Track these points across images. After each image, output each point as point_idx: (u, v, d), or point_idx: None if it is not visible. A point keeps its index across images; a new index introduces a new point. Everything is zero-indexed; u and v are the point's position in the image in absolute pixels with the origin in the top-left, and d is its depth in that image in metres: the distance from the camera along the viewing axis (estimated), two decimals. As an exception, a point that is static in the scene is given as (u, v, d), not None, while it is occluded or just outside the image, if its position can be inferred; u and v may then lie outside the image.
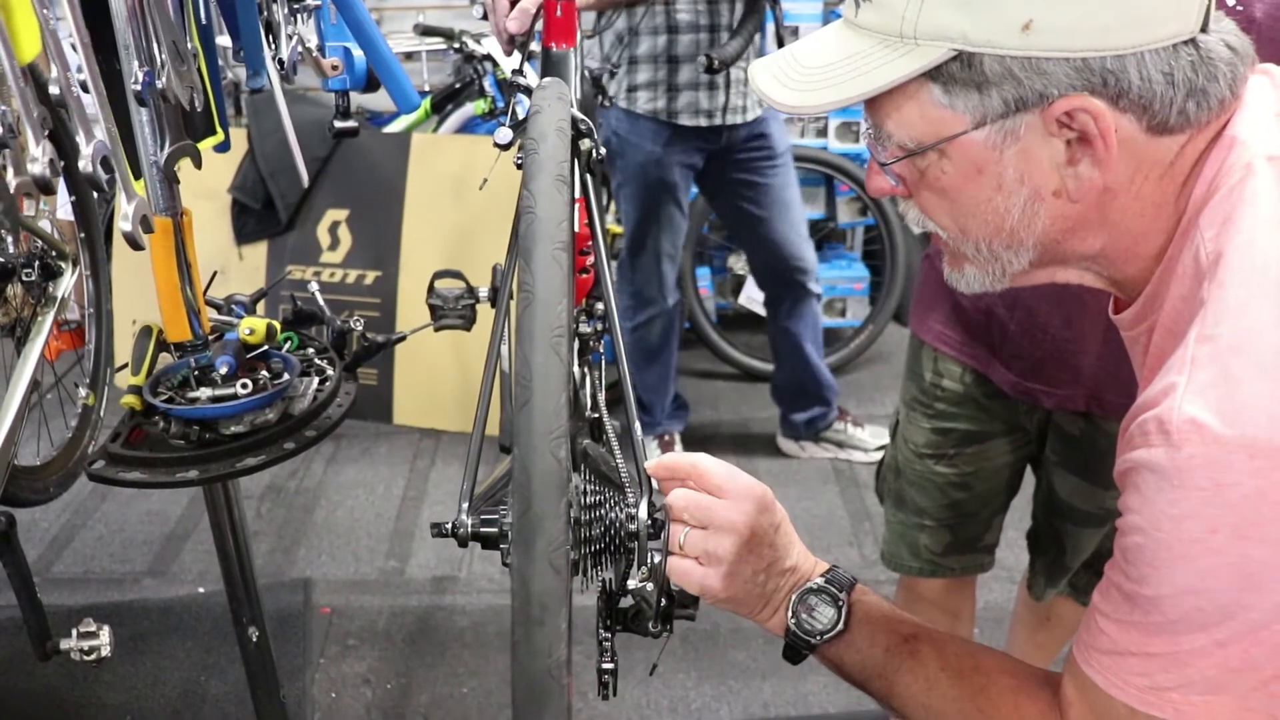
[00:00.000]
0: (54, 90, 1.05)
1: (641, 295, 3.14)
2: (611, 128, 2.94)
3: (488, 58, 3.55)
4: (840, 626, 1.07)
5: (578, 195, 1.27)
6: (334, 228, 3.56)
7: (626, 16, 2.83)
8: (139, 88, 1.18)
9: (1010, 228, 0.92)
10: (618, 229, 3.15)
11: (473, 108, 3.63)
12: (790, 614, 1.08)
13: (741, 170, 3.04)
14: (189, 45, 1.28)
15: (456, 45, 3.62)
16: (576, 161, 1.24)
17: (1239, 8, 0.85)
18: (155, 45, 1.20)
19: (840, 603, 1.08)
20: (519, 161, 1.04)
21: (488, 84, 3.57)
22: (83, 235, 1.56)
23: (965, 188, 0.92)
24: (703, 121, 2.91)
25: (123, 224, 1.13)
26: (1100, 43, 0.83)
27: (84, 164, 1.04)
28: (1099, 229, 0.93)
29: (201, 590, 2.73)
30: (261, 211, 3.56)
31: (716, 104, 2.89)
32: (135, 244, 1.14)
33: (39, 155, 1.00)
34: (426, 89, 3.77)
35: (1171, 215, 0.91)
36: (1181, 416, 0.80)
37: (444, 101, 3.67)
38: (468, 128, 3.71)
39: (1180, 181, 0.90)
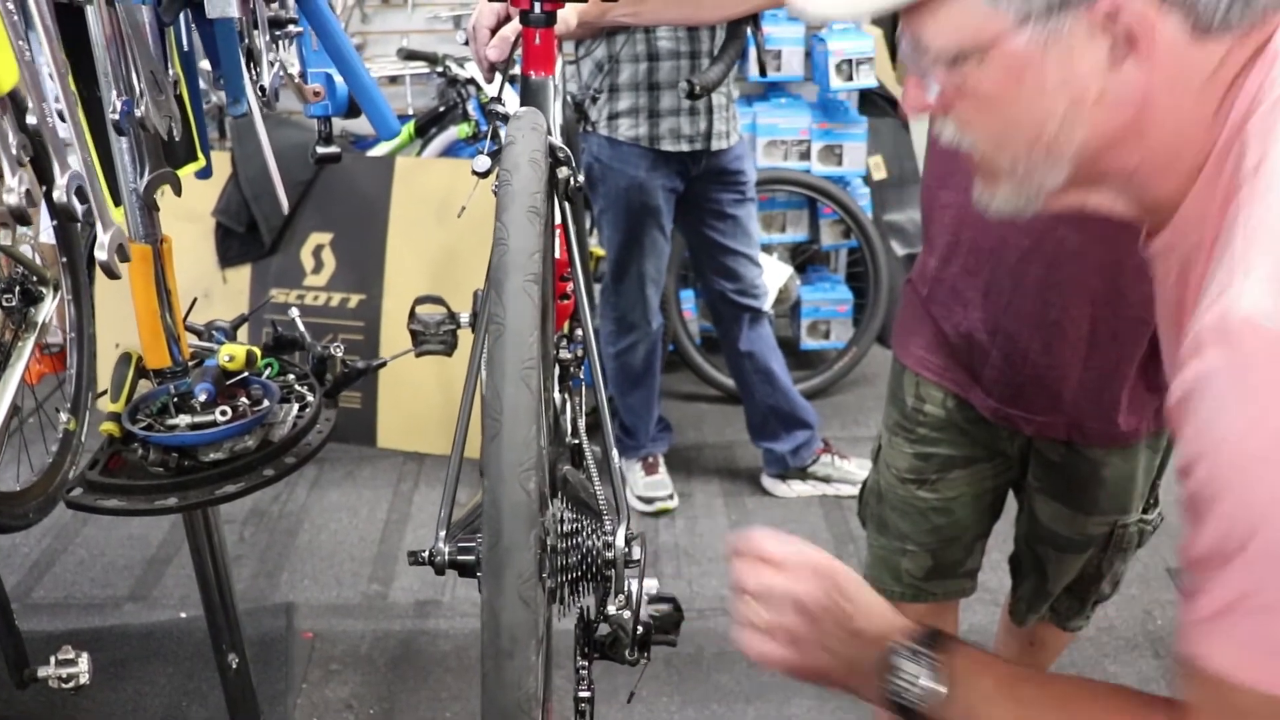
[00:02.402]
0: (31, 120, 1.05)
1: (625, 320, 3.14)
2: (594, 154, 2.95)
3: (471, 81, 3.57)
4: (938, 686, 1.00)
5: (557, 222, 1.28)
6: (318, 251, 3.56)
7: (607, 44, 2.84)
8: (117, 117, 1.19)
9: (1050, 138, 0.91)
10: (600, 251, 3.16)
11: (456, 131, 3.64)
12: (884, 680, 1.02)
13: (715, 201, 3.06)
14: (169, 74, 1.29)
15: (440, 69, 3.64)
16: (555, 190, 1.24)
17: None
18: (134, 74, 1.21)
19: (932, 662, 1.01)
20: (497, 189, 1.04)
21: (471, 108, 3.59)
22: (64, 260, 1.55)
23: (1006, 94, 0.90)
24: (684, 147, 2.92)
25: (99, 253, 1.14)
26: None
27: (59, 194, 1.05)
28: (1136, 144, 0.90)
29: (183, 615, 2.71)
30: (245, 234, 3.56)
31: (698, 129, 2.91)
32: (111, 273, 1.15)
33: (14, 186, 1.00)
34: (410, 112, 3.78)
35: (1209, 131, 0.88)
36: (1238, 315, 0.77)
37: (428, 125, 3.69)
38: (451, 151, 3.72)
39: (1219, 95, 0.87)
